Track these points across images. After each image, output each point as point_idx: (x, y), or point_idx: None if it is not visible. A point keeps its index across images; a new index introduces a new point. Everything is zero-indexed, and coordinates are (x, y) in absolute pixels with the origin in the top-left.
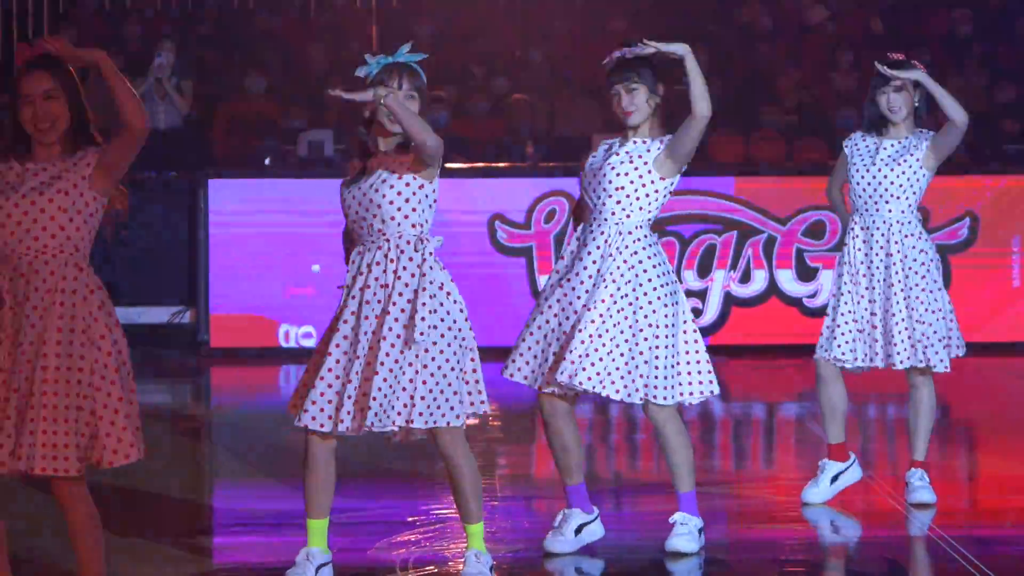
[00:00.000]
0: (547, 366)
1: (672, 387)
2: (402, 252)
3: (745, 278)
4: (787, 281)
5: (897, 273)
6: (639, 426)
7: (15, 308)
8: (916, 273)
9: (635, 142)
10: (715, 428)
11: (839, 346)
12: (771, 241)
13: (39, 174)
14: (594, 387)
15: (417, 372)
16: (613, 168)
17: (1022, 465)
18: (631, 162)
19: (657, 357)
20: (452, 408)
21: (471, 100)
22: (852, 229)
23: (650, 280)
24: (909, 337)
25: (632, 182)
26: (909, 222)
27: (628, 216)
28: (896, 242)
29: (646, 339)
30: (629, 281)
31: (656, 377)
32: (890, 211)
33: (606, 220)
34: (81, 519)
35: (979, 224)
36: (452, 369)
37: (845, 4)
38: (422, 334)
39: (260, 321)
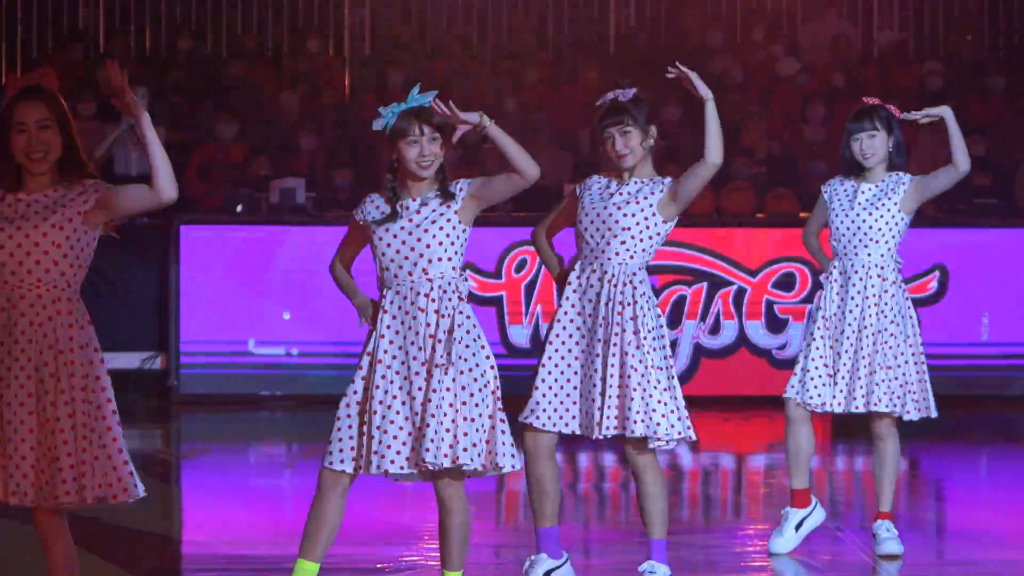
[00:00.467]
0: (571, 409)
1: (667, 426)
2: (444, 292)
3: (715, 329)
4: (757, 332)
5: (870, 318)
6: (607, 475)
7: (4, 341)
8: (892, 321)
9: (636, 182)
10: (683, 478)
11: (808, 389)
12: (741, 293)
13: (32, 205)
14: (642, 433)
15: (467, 409)
16: (620, 208)
17: (989, 517)
18: (636, 203)
19: (653, 397)
20: (490, 452)
21: (446, 150)
22: (831, 273)
23: (649, 324)
24: (875, 383)
25: (638, 223)
26: (888, 267)
27: (632, 257)
28: (873, 286)
29: (649, 381)
30: (635, 325)
31: (654, 415)
32: (869, 255)
33: (609, 260)
34: (62, 553)
35: (948, 277)
36: (491, 414)
37: (816, 57)
38: (471, 369)
39: (231, 366)
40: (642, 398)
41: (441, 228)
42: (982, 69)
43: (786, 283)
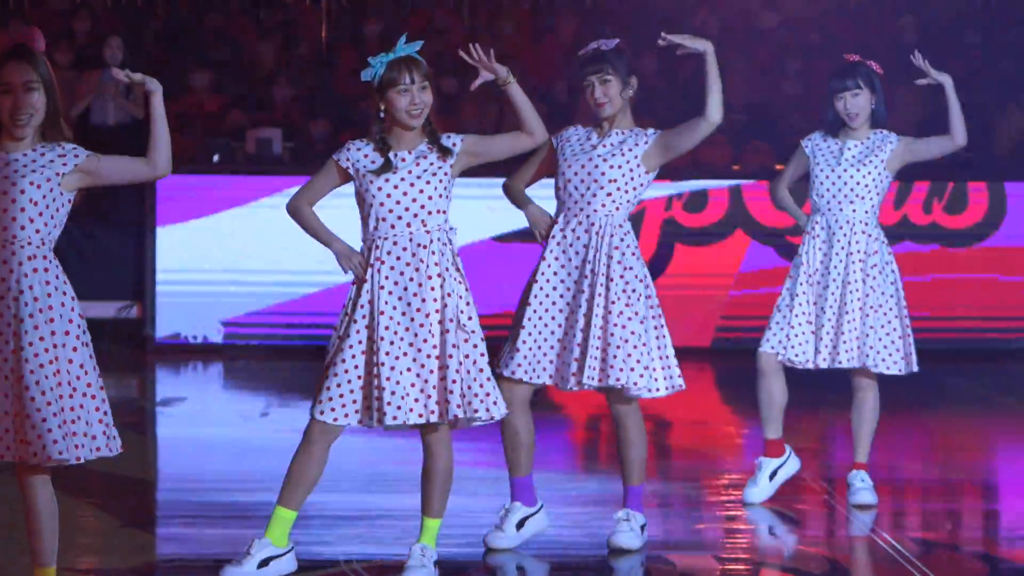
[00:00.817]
0: (546, 362)
1: (649, 378)
2: (443, 244)
3: None
4: None
5: (855, 273)
6: (586, 422)
7: None
8: (872, 277)
9: (618, 133)
10: (660, 429)
11: (794, 347)
12: None
13: (11, 164)
14: (624, 384)
15: (473, 361)
16: (604, 160)
17: (965, 469)
18: (621, 154)
19: (637, 347)
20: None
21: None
22: (812, 229)
23: (636, 274)
24: (858, 338)
25: (623, 175)
26: (871, 223)
27: (617, 209)
28: (858, 242)
29: (634, 332)
30: (623, 276)
31: (636, 367)
32: (854, 211)
33: (595, 212)
34: (45, 503)
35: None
36: (487, 362)
37: (794, 10)
38: (471, 319)
39: (206, 316)
40: (625, 350)
41: (440, 181)
42: (958, 24)
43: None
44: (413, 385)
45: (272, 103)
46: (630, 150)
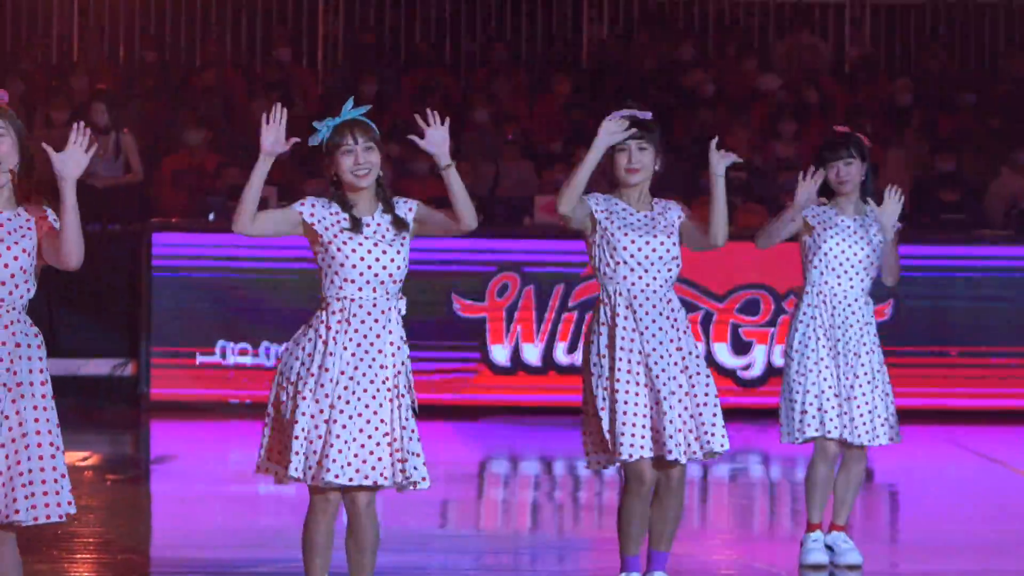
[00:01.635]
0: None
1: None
2: (397, 311)
3: None
4: (723, 353)
5: (865, 345)
6: (582, 484)
7: None
8: (876, 350)
9: (656, 204)
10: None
11: (830, 420)
12: (708, 316)
13: (3, 225)
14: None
15: (412, 429)
16: (656, 237)
17: (943, 528)
18: (666, 232)
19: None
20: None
21: (415, 159)
22: (810, 301)
23: (693, 341)
24: (870, 412)
25: (674, 245)
26: (868, 298)
27: (668, 280)
28: (859, 317)
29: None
30: (686, 345)
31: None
32: (852, 286)
33: (648, 286)
34: (8, 566)
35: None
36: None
37: (787, 72)
38: (409, 388)
39: (202, 374)
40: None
41: (403, 248)
42: (951, 85)
43: (751, 308)
44: (363, 446)
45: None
46: (673, 224)
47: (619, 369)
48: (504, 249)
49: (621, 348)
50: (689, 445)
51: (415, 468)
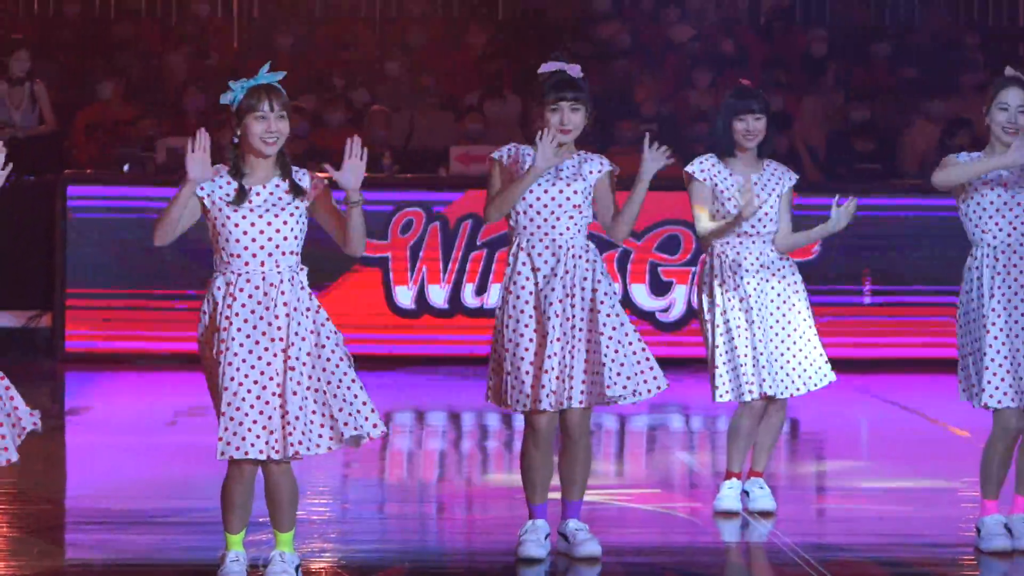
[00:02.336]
0: (565, 387)
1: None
2: (293, 284)
3: None
4: (640, 295)
5: (785, 301)
6: (490, 433)
7: None
8: (798, 303)
9: (578, 155)
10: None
11: (747, 383)
12: (625, 255)
13: None
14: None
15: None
16: (569, 184)
17: (864, 476)
18: (583, 178)
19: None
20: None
21: (330, 111)
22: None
23: (611, 287)
24: (795, 367)
25: (585, 200)
26: (777, 253)
27: (580, 231)
28: (765, 275)
29: (627, 342)
30: (606, 292)
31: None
32: (765, 241)
33: (562, 234)
34: None
35: (832, 242)
36: (351, 384)
37: (706, 23)
38: (333, 352)
39: (117, 326)
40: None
41: (294, 218)
42: (866, 36)
43: (670, 246)
44: (255, 422)
45: (183, 112)
46: (590, 173)
47: (521, 319)
48: (419, 200)
49: (526, 300)
50: (591, 392)
51: (359, 422)
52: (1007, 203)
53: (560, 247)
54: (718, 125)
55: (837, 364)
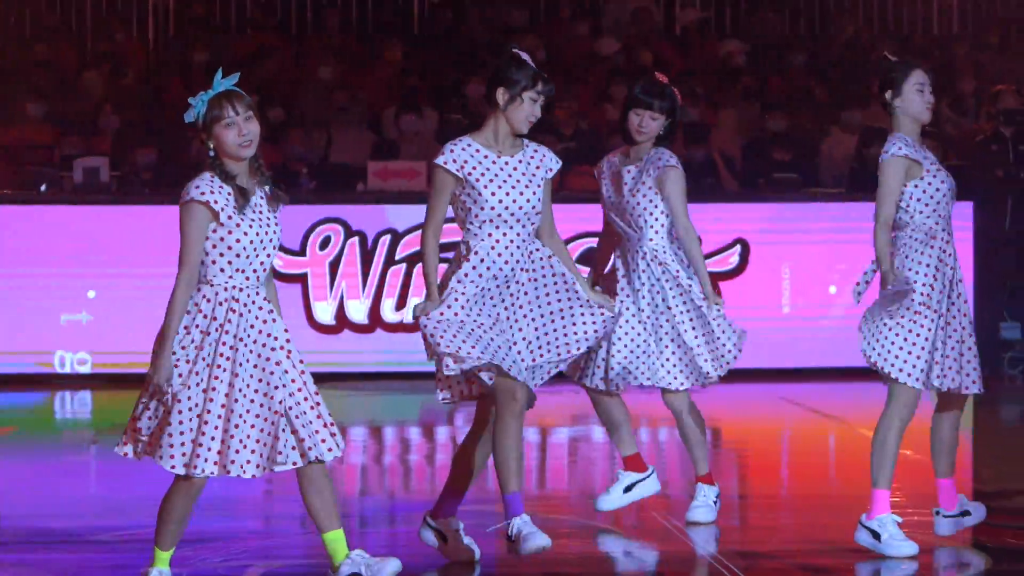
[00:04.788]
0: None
1: None
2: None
3: None
4: None
5: (673, 297)
6: (412, 447)
7: None
8: (684, 296)
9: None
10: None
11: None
12: None
13: None
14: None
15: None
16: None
17: (787, 485)
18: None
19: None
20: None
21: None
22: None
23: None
24: (680, 359)
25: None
26: (671, 249)
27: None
28: (661, 271)
29: None
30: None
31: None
32: (651, 239)
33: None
34: None
35: (749, 251)
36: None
37: (622, 35)
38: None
39: (35, 347)
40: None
41: (278, 227)
42: (782, 46)
43: (586, 259)
44: (262, 431)
45: (99, 132)
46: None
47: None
48: (337, 216)
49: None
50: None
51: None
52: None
53: (513, 245)
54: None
55: (759, 373)
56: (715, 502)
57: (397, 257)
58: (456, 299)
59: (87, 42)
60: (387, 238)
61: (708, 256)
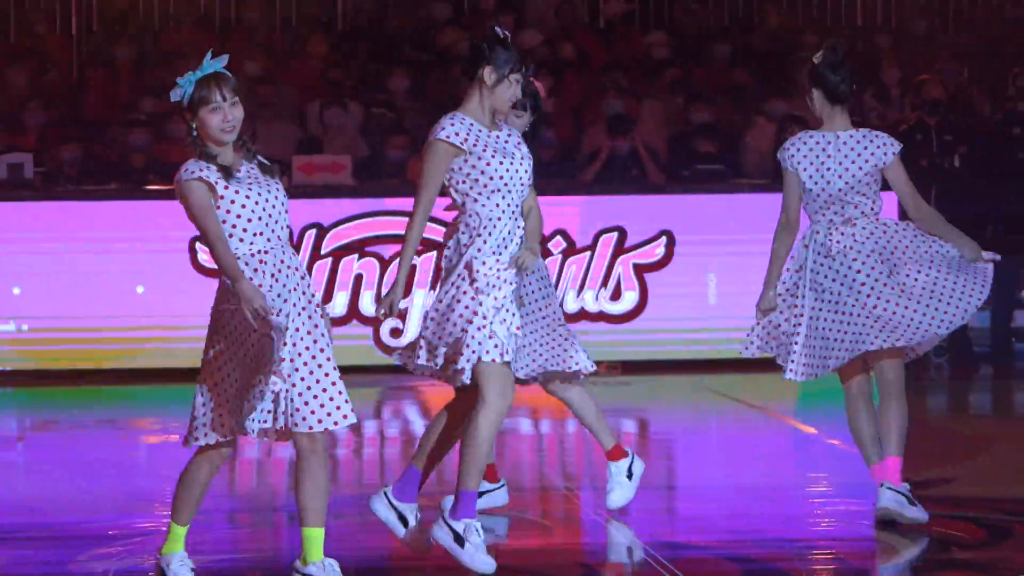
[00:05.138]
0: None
1: None
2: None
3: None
4: None
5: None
6: (339, 442)
7: None
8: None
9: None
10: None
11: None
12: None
13: None
14: None
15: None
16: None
17: (712, 475)
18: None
19: None
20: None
21: (172, 123)
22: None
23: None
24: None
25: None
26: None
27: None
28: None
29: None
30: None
31: None
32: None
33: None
34: None
35: (675, 243)
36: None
37: (546, 28)
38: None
39: None
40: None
41: (279, 192)
42: (706, 38)
43: None
44: (325, 390)
45: (24, 128)
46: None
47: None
48: None
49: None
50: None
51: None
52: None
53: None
54: None
55: (686, 364)
56: (629, 477)
57: (323, 251)
58: (496, 285)
59: (10, 37)
60: (312, 232)
61: (635, 248)
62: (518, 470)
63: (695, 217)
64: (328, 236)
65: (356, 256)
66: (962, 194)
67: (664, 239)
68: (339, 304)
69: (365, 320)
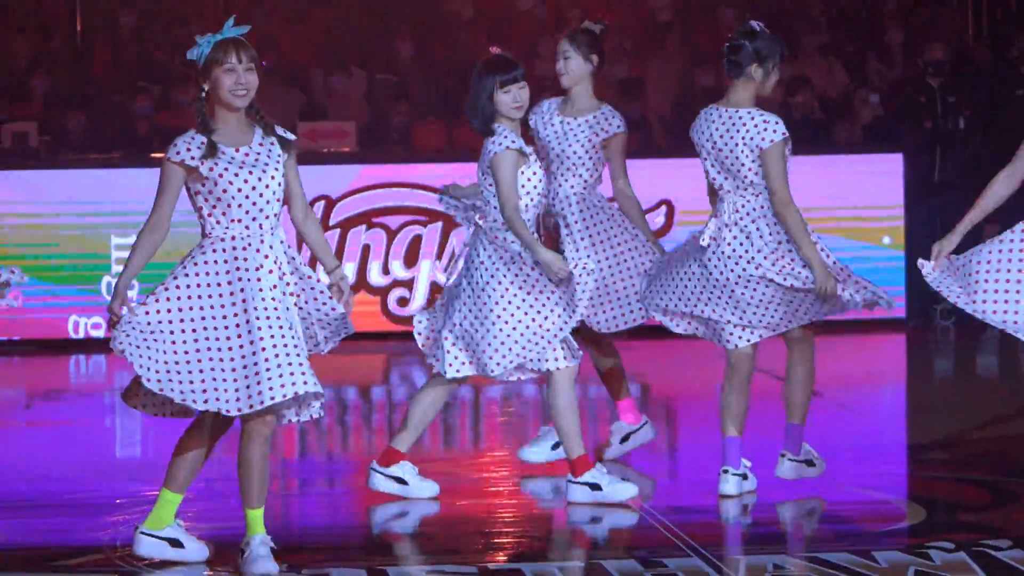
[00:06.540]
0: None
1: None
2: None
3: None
4: None
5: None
6: (349, 409)
7: None
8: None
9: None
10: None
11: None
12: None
13: None
14: None
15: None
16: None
17: (715, 439)
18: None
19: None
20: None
21: (175, 91)
22: None
23: None
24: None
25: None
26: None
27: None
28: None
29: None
30: None
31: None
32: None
33: None
34: None
35: (675, 211)
36: None
37: None
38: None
39: None
40: None
41: (275, 173)
42: (713, 1)
43: None
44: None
45: (29, 96)
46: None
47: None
48: None
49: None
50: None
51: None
52: None
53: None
54: (480, 99)
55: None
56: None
57: (331, 223)
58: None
59: (12, 6)
60: (321, 204)
61: None
62: (525, 437)
63: (696, 185)
64: (336, 208)
65: (364, 227)
66: (968, 160)
67: (664, 208)
68: (347, 274)
69: (373, 289)
